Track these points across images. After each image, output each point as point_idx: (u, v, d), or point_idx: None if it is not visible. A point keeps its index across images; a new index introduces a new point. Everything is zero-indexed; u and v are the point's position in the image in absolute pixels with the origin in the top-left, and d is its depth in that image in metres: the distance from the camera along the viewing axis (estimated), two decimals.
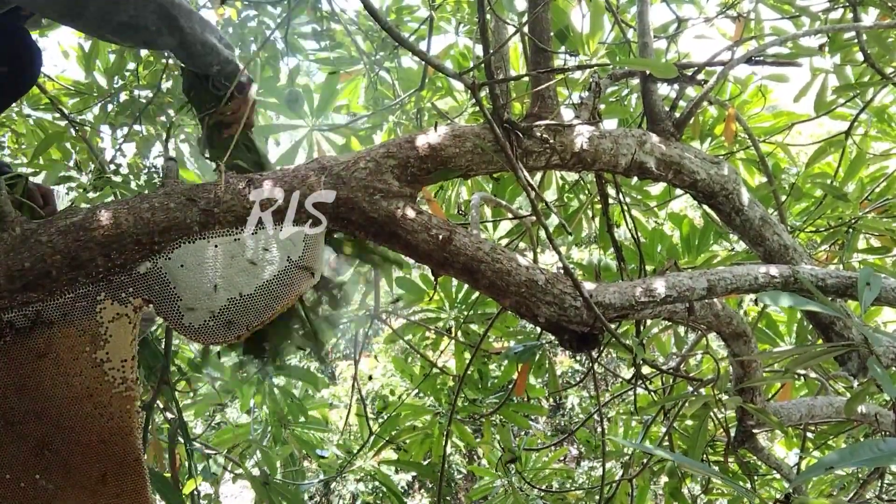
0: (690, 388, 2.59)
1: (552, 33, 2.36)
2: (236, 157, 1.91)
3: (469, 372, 3.36)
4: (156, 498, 1.93)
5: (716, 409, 2.32)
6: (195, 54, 1.74)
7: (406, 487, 11.51)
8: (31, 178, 1.81)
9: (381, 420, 3.94)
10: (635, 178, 2.20)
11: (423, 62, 3.27)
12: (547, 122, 1.98)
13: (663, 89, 2.63)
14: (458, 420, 3.64)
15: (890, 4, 2.84)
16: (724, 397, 2.24)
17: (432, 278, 1.97)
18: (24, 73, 1.82)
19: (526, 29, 2.16)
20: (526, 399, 3.64)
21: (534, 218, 2.18)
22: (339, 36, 3.77)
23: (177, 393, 2.23)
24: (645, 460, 3.18)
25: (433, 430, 3.76)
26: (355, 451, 4.01)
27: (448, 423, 2.94)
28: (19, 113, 3.80)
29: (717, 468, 3.09)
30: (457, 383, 3.38)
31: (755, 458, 2.66)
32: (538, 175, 3.15)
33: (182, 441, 2.14)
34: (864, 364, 1.99)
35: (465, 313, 3.66)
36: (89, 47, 3.75)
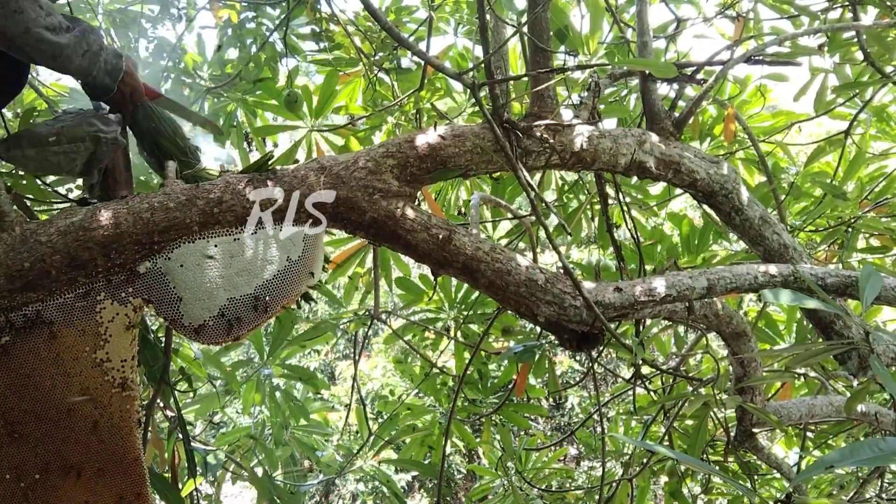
0: (690, 388, 2.59)
1: (551, 33, 2.36)
2: (157, 136, 1.87)
3: (469, 372, 3.36)
4: (156, 498, 1.93)
5: (715, 409, 2.32)
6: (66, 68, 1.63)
7: (406, 487, 11.51)
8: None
9: (380, 420, 3.93)
10: (635, 178, 2.20)
11: (423, 62, 3.27)
12: (546, 121, 1.98)
13: (663, 89, 2.63)
14: (458, 420, 3.64)
15: (889, 3, 2.84)
16: (724, 397, 2.24)
17: (432, 278, 1.97)
18: (10, 75, 1.80)
19: (525, 29, 2.17)
20: (526, 399, 3.64)
21: (533, 218, 2.18)
22: (338, 37, 3.77)
23: (177, 393, 2.23)
24: (645, 460, 3.17)
25: (433, 429, 3.76)
26: (355, 452, 4.01)
27: (448, 423, 2.94)
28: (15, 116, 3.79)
29: (717, 468, 3.09)
30: (457, 383, 3.38)
31: (755, 457, 2.66)
32: (538, 175, 3.15)
33: (182, 439, 2.14)
34: (864, 363, 2.00)
35: (465, 313, 3.66)
36: None
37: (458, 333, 3.72)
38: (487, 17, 2.01)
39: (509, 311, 2.12)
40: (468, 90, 1.80)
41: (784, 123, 3.61)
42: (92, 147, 1.71)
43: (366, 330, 3.54)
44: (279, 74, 3.99)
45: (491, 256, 1.79)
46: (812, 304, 1.41)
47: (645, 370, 3.50)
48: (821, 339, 2.19)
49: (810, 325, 2.63)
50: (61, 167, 1.69)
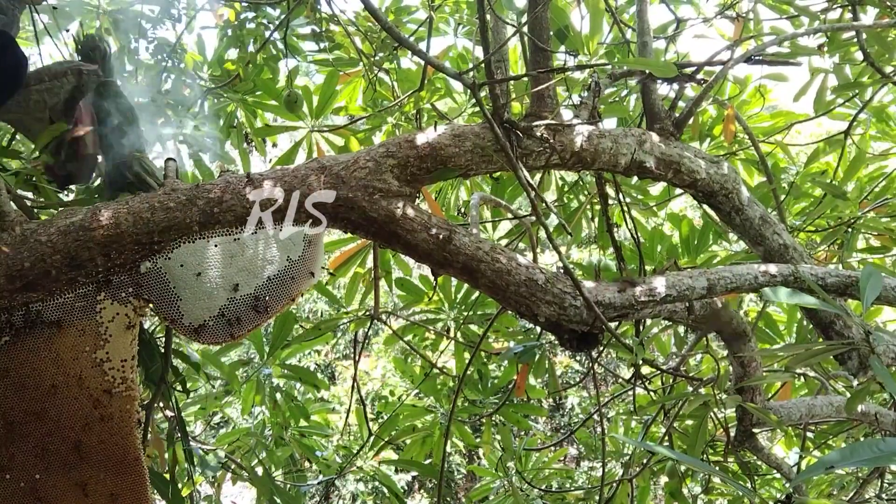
0: (690, 388, 2.58)
1: (552, 33, 2.36)
2: None
3: (469, 372, 3.36)
4: (155, 497, 1.93)
5: (715, 409, 2.32)
6: None
7: (406, 487, 11.50)
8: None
9: (380, 420, 3.93)
10: (635, 178, 2.20)
11: (423, 62, 3.27)
12: (546, 121, 1.98)
13: (663, 89, 2.63)
14: (459, 420, 3.63)
15: (889, 3, 2.84)
16: (724, 397, 2.24)
17: (432, 278, 1.97)
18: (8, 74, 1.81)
19: (526, 29, 2.17)
20: (526, 399, 3.64)
21: (533, 218, 2.18)
22: (338, 37, 3.76)
23: (177, 393, 2.23)
24: (645, 460, 3.17)
25: (433, 430, 3.76)
26: (355, 452, 4.01)
27: (448, 424, 2.94)
28: None
29: (717, 468, 3.09)
30: (457, 384, 3.38)
31: (755, 457, 2.65)
32: (538, 175, 3.15)
33: (180, 439, 2.14)
34: (864, 363, 2.00)
35: (465, 314, 3.66)
36: None
37: (458, 334, 3.71)
38: (487, 17, 2.01)
39: (509, 311, 2.12)
40: (468, 90, 1.80)
41: (784, 123, 3.61)
42: (74, 81, 1.79)
43: (366, 330, 3.54)
44: (279, 75, 3.98)
45: (491, 256, 1.79)
46: (812, 303, 1.41)
47: (645, 370, 3.50)
48: (821, 339, 2.19)
49: (810, 326, 2.63)
50: (45, 103, 1.77)
